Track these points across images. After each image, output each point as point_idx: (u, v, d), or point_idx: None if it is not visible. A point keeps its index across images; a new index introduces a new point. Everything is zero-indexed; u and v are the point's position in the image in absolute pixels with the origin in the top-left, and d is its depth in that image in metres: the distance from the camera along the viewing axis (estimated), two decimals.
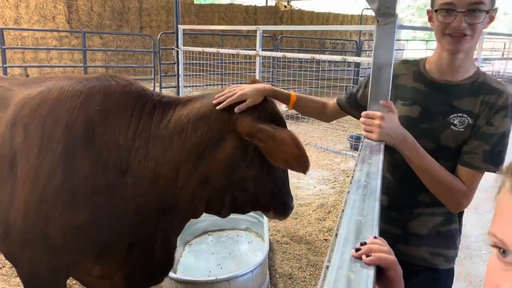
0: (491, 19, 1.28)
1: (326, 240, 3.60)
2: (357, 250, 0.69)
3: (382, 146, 1.26)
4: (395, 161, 1.46)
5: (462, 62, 1.36)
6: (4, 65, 8.16)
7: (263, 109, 1.52)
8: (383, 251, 0.72)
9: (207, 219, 3.49)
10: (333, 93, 7.33)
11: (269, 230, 3.43)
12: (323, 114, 1.80)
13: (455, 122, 1.35)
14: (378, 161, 1.16)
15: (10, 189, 1.49)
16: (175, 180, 1.49)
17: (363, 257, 0.68)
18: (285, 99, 1.68)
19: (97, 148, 1.45)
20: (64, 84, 1.56)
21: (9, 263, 2.61)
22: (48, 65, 11.89)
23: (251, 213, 3.56)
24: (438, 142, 1.38)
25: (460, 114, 1.34)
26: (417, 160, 1.32)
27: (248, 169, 1.51)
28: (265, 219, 3.28)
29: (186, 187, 1.50)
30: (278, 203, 1.67)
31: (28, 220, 1.46)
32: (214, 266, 3.00)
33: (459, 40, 1.28)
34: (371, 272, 0.67)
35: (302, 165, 1.39)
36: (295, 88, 9.02)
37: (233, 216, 3.56)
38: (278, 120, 1.55)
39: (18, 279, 2.74)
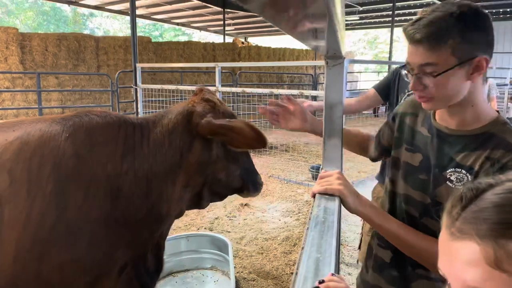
0: (477, 68, 1.07)
1: (292, 273, 3.59)
2: None
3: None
4: (393, 210, 1.35)
5: (460, 111, 1.16)
6: None
7: (215, 110, 1.78)
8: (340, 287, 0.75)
9: (171, 260, 3.40)
10: None
11: (235, 267, 3.39)
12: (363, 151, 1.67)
13: (451, 178, 1.15)
14: (335, 196, 1.21)
15: None
16: (165, 191, 1.66)
17: None
18: None
19: (88, 179, 1.50)
20: (41, 126, 1.57)
21: None
22: (0, 107, 11.45)
23: (216, 252, 3.51)
24: (433, 197, 1.19)
25: (459, 170, 1.14)
26: (375, 218, 1.21)
27: (216, 162, 1.77)
28: (230, 256, 3.25)
29: (174, 194, 1.68)
30: (249, 183, 1.95)
31: (19, 263, 1.43)
32: None
33: (422, 102, 1.17)
34: None
35: (261, 142, 1.67)
36: (256, 121, 9.15)
37: (198, 255, 3.53)
38: (231, 115, 1.83)
39: None
